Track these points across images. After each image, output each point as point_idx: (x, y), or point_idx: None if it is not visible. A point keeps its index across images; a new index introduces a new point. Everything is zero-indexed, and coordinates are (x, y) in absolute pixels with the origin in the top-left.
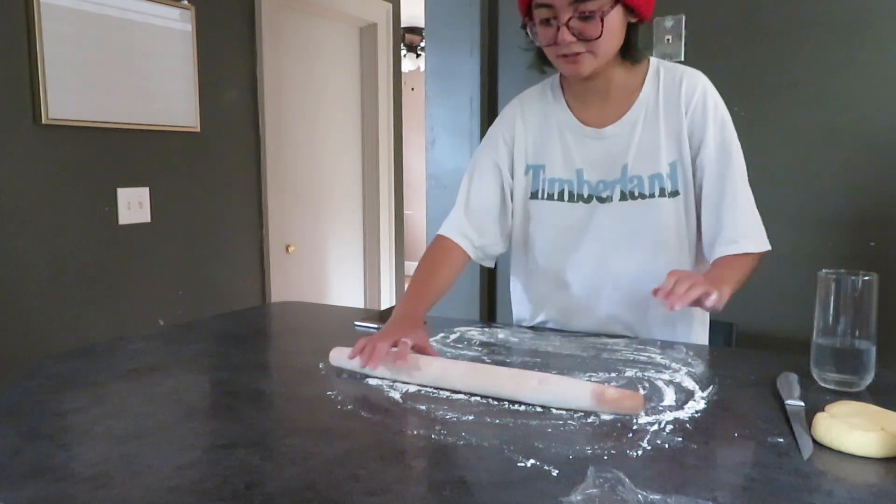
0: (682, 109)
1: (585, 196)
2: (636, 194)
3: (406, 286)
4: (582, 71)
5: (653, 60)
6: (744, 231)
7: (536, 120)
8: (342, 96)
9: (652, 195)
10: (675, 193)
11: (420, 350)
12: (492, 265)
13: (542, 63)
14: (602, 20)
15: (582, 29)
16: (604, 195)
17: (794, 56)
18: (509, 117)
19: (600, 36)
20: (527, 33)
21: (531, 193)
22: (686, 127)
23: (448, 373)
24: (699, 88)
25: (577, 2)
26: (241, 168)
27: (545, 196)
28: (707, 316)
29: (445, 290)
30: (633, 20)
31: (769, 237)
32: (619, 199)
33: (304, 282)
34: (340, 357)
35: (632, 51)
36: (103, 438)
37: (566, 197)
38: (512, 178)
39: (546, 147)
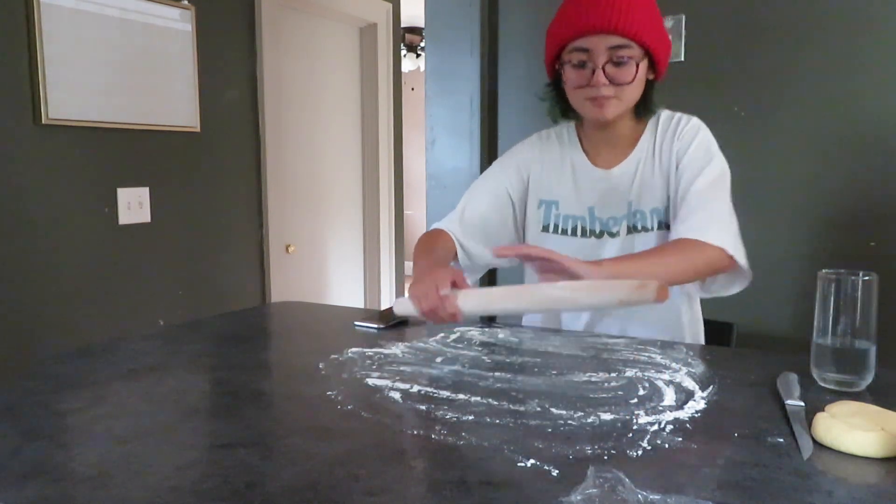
0: (674, 146)
1: (597, 231)
2: (639, 227)
3: (406, 287)
4: (607, 114)
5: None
6: (717, 228)
7: (552, 159)
8: (342, 96)
9: (654, 227)
10: None
11: (459, 285)
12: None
13: (559, 113)
14: (637, 66)
15: (615, 73)
16: (613, 230)
17: (794, 56)
18: (528, 151)
19: (633, 81)
20: (559, 79)
21: (543, 227)
22: (676, 167)
23: (492, 300)
24: (691, 126)
25: (614, 48)
26: (241, 168)
27: (559, 231)
28: (694, 314)
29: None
30: (652, 77)
31: (769, 237)
32: (626, 234)
33: (304, 282)
34: (407, 307)
35: (648, 104)
36: (103, 438)
37: (579, 232)
38: (525, 208)
39: (560, 185)
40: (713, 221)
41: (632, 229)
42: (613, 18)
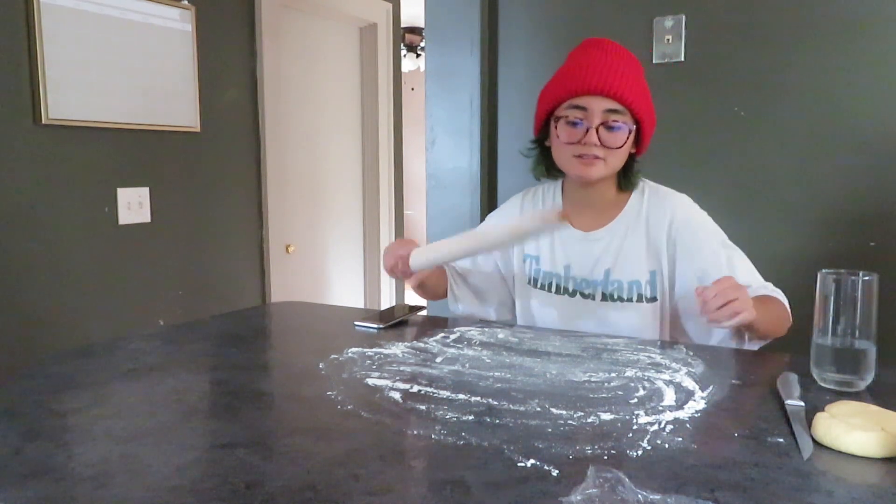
0: (664, 226)
1: (570, 290)
2: (615, 297)
3: (406, 288)
4: (592, 174)
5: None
6: (780, 296)
7: None
8: (342, 96)
9: (630, 299)
10: (652, 299)
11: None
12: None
13: (543, 171)
14: (629, 133)
15: (606, 137)
16: (586, 292)
17: (795, 56)
18: (513, 209)
19: (622, 147)
20: (544, 138)
21: (530, 280)
22: (666, 242)
23: (439, 250)
24: (681, 202)
25: (609, 111)
26: (241, 168)
27: (540, 286)
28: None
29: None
30: (633, 151)
31: (769, 237)
32: (601, 300)
33: (304, 282)
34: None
35: (629, 176)
36: (103, 438)
37: (554, 289)
38: (512, 261)
39: (540, 241)
40: (776, 293)
41: (607, 297)
42: (613, 83)
